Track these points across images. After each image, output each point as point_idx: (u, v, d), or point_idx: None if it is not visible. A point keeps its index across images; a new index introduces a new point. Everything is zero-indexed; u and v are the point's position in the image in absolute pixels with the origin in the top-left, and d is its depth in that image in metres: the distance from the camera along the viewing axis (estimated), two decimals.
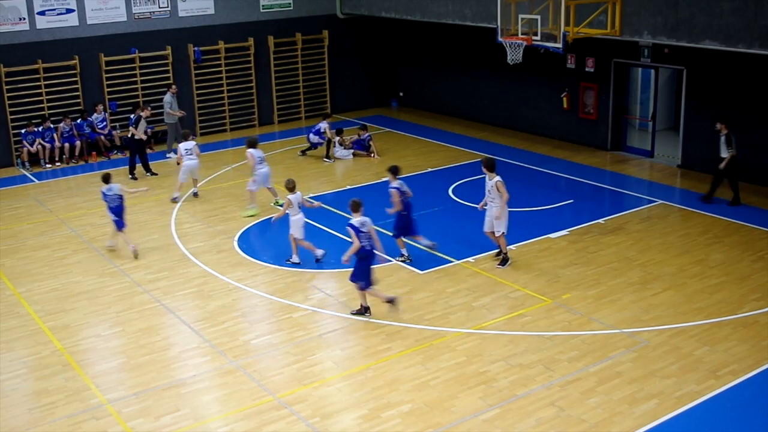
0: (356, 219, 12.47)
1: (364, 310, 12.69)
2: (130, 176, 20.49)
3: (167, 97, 22.43)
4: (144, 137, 20.66)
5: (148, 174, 20.69)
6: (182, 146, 18.37)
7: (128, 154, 21.06)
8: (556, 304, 12.92)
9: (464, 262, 14.62)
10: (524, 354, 11.40)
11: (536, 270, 14.27)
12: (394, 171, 14.70)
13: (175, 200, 18.54)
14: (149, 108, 21.29)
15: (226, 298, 13.58)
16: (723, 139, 16.92)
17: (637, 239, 15.54)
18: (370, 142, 22.04)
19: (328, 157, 21.64)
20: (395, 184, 14.54)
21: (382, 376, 10.96)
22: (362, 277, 12.52)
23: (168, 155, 22.34)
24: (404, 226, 14.72)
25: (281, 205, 15.47)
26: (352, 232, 12.44)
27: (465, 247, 15.29)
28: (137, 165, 20.68)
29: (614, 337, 11.83)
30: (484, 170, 14.20)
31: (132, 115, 22.31)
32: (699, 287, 13.39)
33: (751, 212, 16.77)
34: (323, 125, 21.58)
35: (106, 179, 15.44)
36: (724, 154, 16.94)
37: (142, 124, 20.46)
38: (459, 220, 16.84)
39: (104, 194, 15.41)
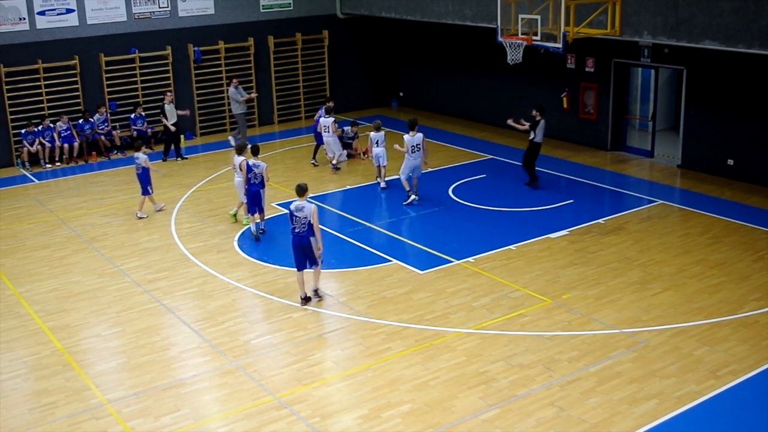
0: (296, 203, 12.86)
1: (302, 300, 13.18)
2: (180, 159, 22.10)
3: (231, 90, 23.27)
4: (169, 124, 21.85)
5: (178, 159, 22.11)
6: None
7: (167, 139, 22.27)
8: (556, 304, 12.92)
9: (464, 262, 14.62)
10: (524, 354, 11.41)
11: (536, 270, 14.27)
12: (246, 149, 16.35)
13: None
14: (169, 94, 22.33)
15: (226, 298, 13.58)
16: (541, 124, 18.20)
17: (637, 239, 15.54)
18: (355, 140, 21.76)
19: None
20: (250, 161, 15.87)
21: (382, 376, 10.96)
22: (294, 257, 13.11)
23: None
24: (250, 201, 16.01)
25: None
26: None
27: (465, 247, 15.29)
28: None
29: (614, 337, 11.83)
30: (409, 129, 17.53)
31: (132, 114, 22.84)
32: (699, 287, 13.40)
33: (751, 212, 16.78)
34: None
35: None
36: (538, 138, 18.29)
37: (170, 111, 21.74)
38: (459, 221, 16.84)
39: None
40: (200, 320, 12.79)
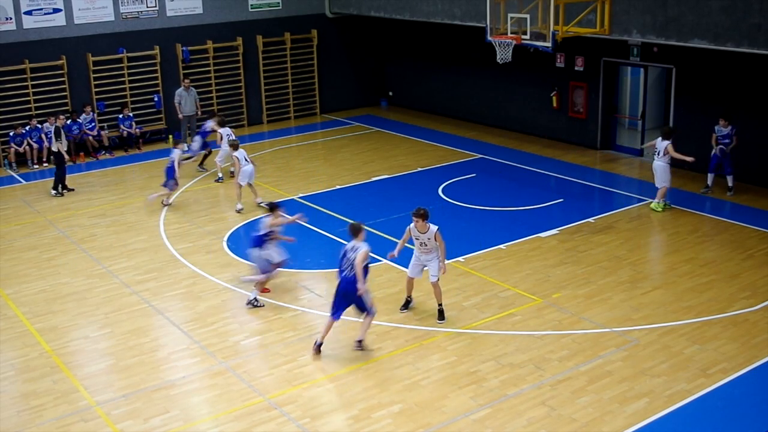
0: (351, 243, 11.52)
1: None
2: (55, 192, 19.11)
3: None
4: (63, 150, 19.48)
5: (59, 191, 19.15)
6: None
7: (55, 166, 19.41)
8: (547, 304, 12.92)
9: (454, 261, 14.59)
10: (515, 353, 11.39)
11: (526, 269, 14.26)
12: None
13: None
14: (63, 117, 20.55)
15: (215, 299, 13.52)
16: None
17: (627, 238, 15.56)
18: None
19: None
20: None
21: (373, 376, 10.93)
22: None
23: None
24: None
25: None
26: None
27: (455, 246, 15.24)
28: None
29: (604, 336, 11.83)
30: None
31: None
32: (689, 286, 13.41)
33: (740, 210, 16.82)
34: (211, 124, 20.34)
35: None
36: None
37: (62, 136, 19.42)
38: (449, 220, 16.79)
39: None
40: (189, 321, 12.73)
